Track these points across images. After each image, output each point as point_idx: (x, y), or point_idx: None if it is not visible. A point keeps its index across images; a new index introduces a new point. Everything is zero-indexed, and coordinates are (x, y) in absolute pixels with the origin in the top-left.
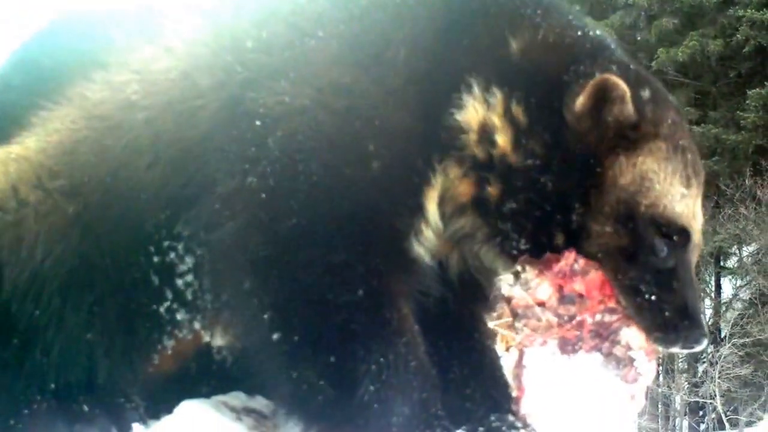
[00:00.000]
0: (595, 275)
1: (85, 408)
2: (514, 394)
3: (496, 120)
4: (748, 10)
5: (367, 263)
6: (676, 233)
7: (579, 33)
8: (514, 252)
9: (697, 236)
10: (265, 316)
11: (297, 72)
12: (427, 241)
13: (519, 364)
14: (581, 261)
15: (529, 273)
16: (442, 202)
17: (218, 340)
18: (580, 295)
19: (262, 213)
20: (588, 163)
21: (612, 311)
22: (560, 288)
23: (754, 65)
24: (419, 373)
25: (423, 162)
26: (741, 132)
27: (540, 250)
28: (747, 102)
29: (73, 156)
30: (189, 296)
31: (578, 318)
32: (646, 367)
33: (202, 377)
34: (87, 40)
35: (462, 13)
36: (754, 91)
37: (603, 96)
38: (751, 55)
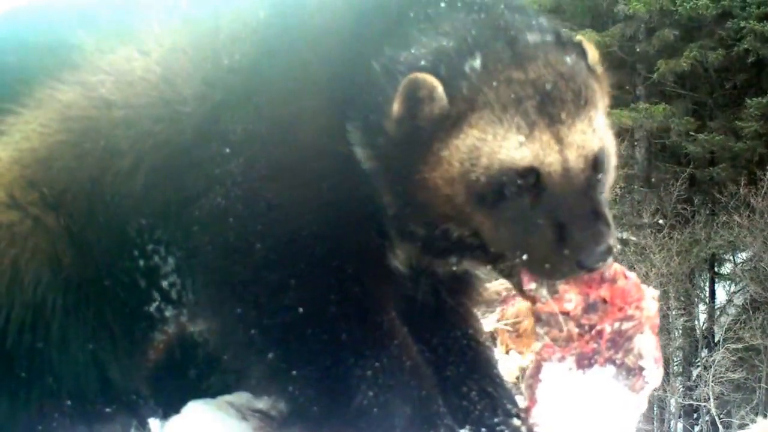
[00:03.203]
0: (623, 284)
1: (103, 409)
2: (525, 403)
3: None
4: (750, 22)
5: (339, 276)
6: (520, 177)
7: (416, 35)
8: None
9: (555, 167)
10: (255, 338)
11: (259, 99)
12: (399, 258)
13: (535, 376)
14: (613, 269)
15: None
16: None
17: (199, 325)
18: (604, 301)
19: (232, 236)
20: (417, 172)
21: (629, 318)
22: (587, 295)
23: (750, 77)
24: (416, 373)
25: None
26: (741, 141)
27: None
28: (746, 111)
29: (50, 163)
30: (174, 295)
31: (598, 327)
32: (654, 374)
33: (188, 362)
34: (52, 38)
35: (344, 44)
36: (754, 99)
37: (414, 96)
38: (748, 67)
